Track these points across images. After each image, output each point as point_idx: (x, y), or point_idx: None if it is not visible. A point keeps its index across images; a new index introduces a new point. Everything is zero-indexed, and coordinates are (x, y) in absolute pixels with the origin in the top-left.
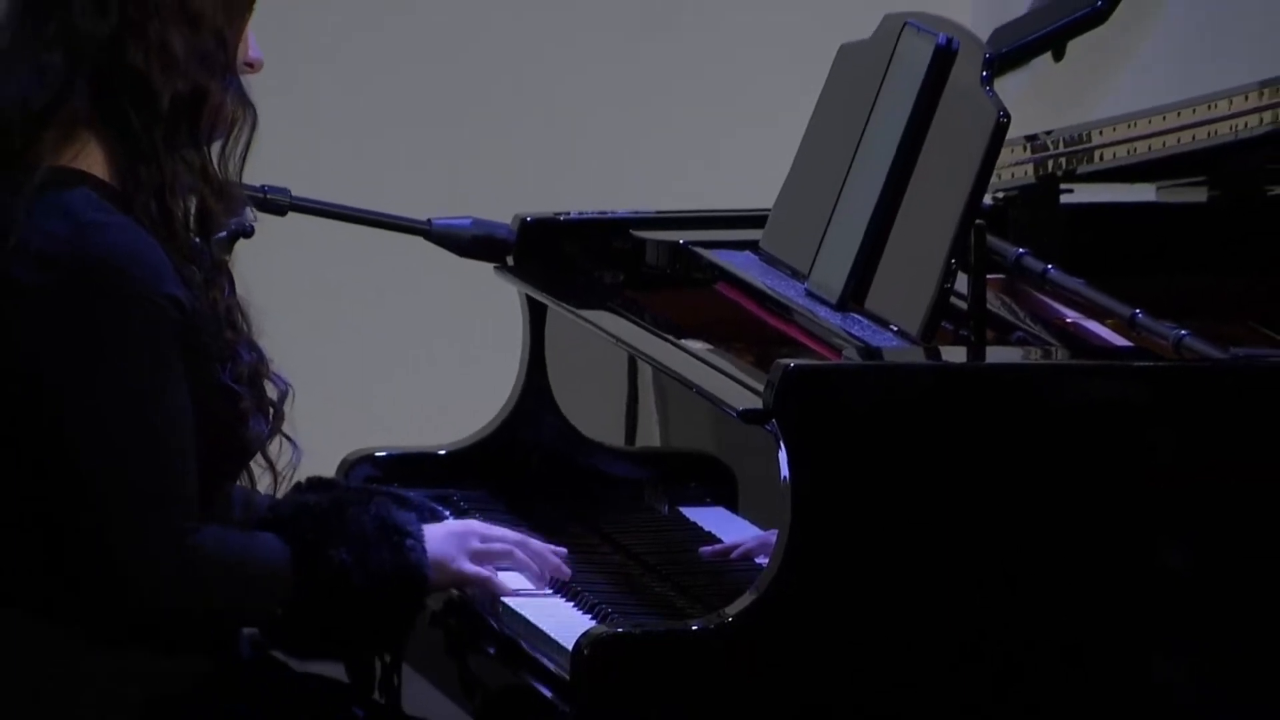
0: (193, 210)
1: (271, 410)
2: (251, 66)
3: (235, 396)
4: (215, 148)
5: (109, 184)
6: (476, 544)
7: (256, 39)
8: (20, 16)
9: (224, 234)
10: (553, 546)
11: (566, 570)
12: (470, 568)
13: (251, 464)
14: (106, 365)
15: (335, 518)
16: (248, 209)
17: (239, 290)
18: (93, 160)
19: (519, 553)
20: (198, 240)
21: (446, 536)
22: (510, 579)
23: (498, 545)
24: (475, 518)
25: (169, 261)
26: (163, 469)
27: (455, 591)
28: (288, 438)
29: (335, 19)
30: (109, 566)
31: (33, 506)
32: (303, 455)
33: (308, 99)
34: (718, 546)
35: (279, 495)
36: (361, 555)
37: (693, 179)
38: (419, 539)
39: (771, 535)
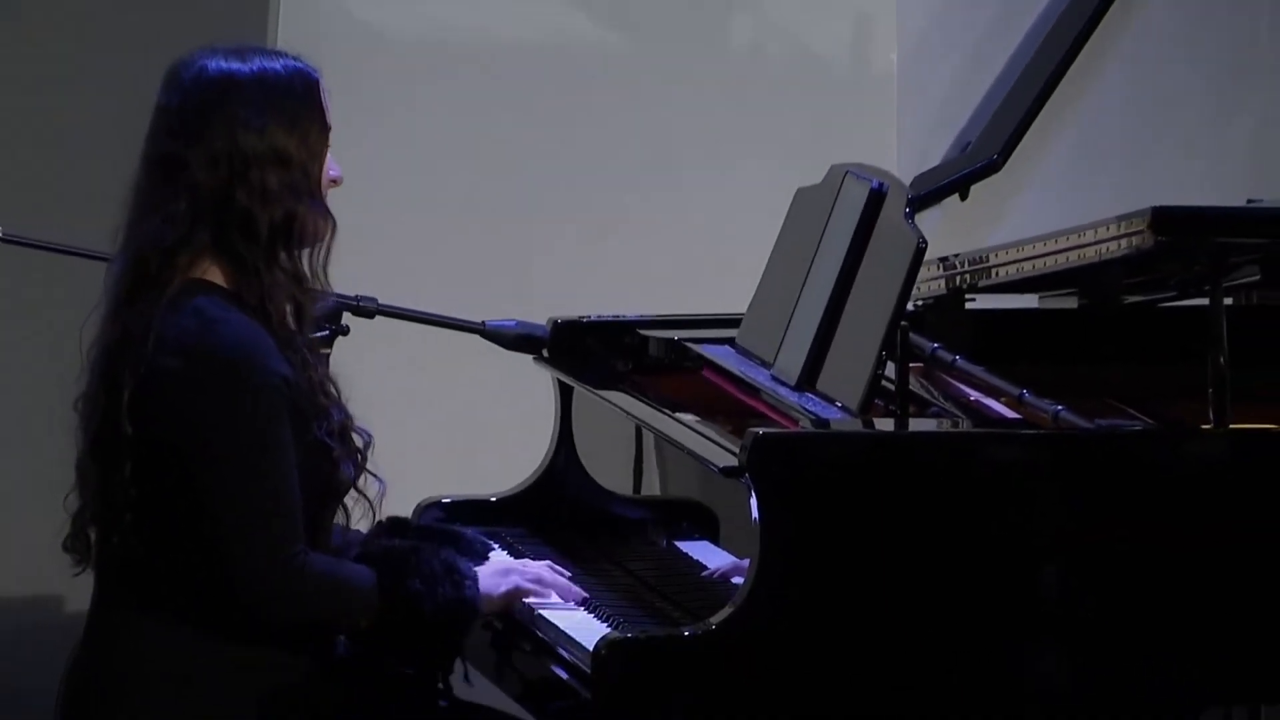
0: (290, 309)
1: (358, 456)
2: (335, 183)
3: (329, 448)
4: (306, 252)
5: (227, 289)
6: (516, 576)
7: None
8: (151, 172)
9: (326, 332)
10: (565, 575)
11: (581, 592)
12: (508, 589)
13: (347, 500)
14: (231, 428)
15: (413, 558)
16: (344, 312)
17: (332, 368)
18: (213, 275)
19: (547, 575)
20: (295, 330)
21: (493, 574)
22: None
23: (530, 579)
24: (520, 550)
25: (275, 347)
26: (278, 507)
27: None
28: (374, 475)
29: (416, 160)
30: (239, 583)
31: (178, 537)
32: (387, 487)
33: (394, 228)
34: (713, 570)
35: (370, 522)
36: (431, 588)
37: (685, 290)
38: (474, 580)
39: (744, 562)
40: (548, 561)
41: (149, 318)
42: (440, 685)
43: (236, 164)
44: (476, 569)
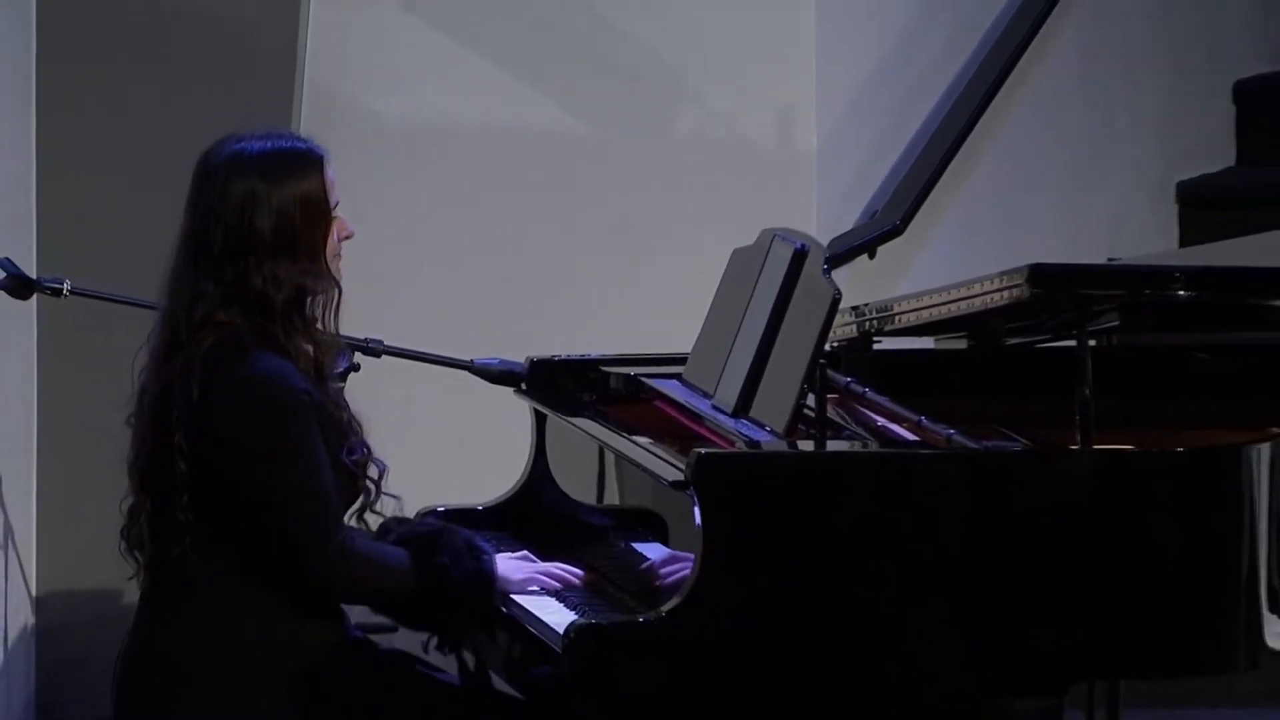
0: (310, 363)
1: (371, 482)
2: (348, 237)
3: (352, 473)
4: (320, 311)
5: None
6: (530, 570)
7: (349, 218)
8: (184, 253)
9: (341, 369)
10: (577, 571)
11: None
12: (524, 578)
13: (366, 517)
14: (274, 439)
15: (440, 537)
16: (356, 351)
17: (354, 410)
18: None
19: (553, 584)
20: (318, 379)
21: (511, 561)
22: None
23: (542, 577)
24: (503, 550)
25: (301, 377)
26: (322, 499)
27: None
28: (390, 495)
29: (417, 224)
30: (306, 568)
31: (230, 542)
32: (403, 501)
33: (399, 282)
34: (650, 563)
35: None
36: (456, 561)
37: (640, 333)
38: (492, 556)
39: (677, 553)
40: (566, 567)
41: (191, 361)
42: (444, 660)
43: (250, 257)
44: (503, 556)
